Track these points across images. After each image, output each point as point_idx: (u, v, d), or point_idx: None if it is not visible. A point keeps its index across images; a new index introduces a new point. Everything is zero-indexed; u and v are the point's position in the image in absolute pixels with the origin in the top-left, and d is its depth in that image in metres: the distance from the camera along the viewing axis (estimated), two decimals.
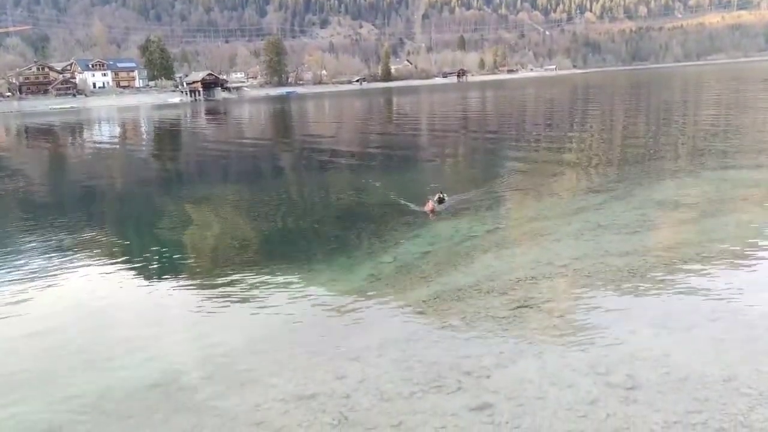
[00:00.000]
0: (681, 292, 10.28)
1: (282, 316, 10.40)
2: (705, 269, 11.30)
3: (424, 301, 10.56)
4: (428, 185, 22.38)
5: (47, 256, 15.03)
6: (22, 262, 14.59)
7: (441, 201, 15.72)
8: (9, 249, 15.99)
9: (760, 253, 12.05)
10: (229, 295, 11.59)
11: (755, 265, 11.44)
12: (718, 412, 6.71)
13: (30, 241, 16.65)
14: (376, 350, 8.80)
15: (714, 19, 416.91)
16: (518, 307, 10.07)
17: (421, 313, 10.10)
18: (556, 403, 7.08)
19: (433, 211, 14.86)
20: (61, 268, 13.86)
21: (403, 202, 18.79)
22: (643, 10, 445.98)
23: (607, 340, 8.68)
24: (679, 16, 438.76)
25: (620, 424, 6.58)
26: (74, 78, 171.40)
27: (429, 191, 17.66)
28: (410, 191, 21.84)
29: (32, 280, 13.11)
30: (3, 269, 14.03)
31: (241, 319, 10.40)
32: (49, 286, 12.68)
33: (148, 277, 12.94)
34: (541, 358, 8.27)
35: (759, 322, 8.97)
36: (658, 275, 11.14)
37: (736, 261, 11.68)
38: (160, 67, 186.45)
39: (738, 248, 12.44)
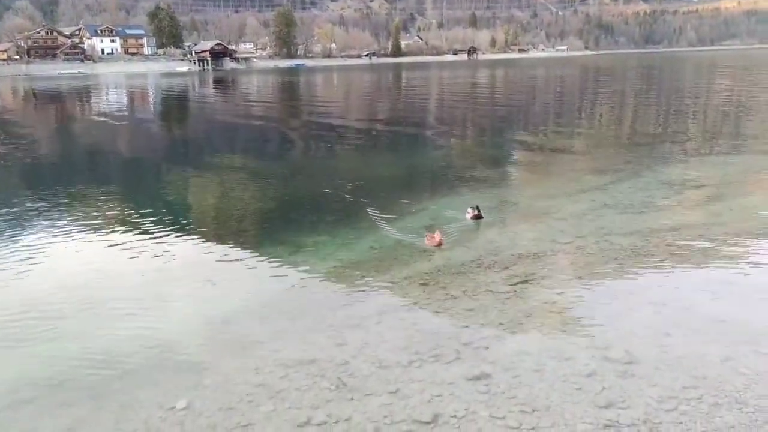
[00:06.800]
0: (683, 273, 10.29)
1: (284, 283, 10.46)
2: (708, 251, 11.29)
3: (425, 273, 10.60)
4: (435, 164, 22.36)
5: (54, 220, 15.13)
6: (28, 225, 14.69)
7: (478, 216, 13.41)
8: (16, 213, 16.07)
9: (763, 236, 12.02)
10: (232, 262, 11.65)
11: (758, 248, 11.41)
12: (713, 389, 6.74)
13: (37, 205, 16.75)
14: (376, 318, 8.86)
15: (730, 4, 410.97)
16: (519, 282, 10.10)
17: (422, 284, 10.14)
18: (553, 375, 7.13)
19: (440, 244, 11.82)
20: (67, 233, 13.95)
21: (408, 177, 18.79)
22: None
23: (607, 316, 8.71)
24: (695, 0, 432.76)
25: (616, 397, 6.63)
26: (83, 43, 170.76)
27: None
28: (416, 167, 21.84)
29: (38, 242, 13.21)
30: (10, 233, 14.11)
31: (243, 285, 10.46)
32: (55, 248, 12.76)
33: (152, 242, 12.99)
34: (540, 331, 8.32)
35: (759, 305, 8.98)
36: (660, 255, 11.14)
37: (739, 244, 11.65)
38: (168, 35, 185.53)
39: (742, 231, 12.41)
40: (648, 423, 6.20)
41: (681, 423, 6.19)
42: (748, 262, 10.71)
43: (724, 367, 7.22)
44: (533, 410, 6.47)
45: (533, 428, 6.17)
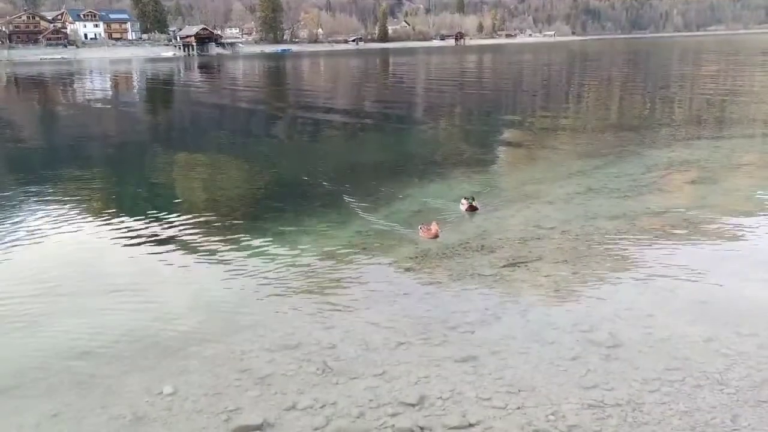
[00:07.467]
0: (666, 256, 10.37)
1: (271, 268, 10.43)
2: (692, 234, 11.40)
3: (412, 258, 10.62)
4: (423, 151, 22.36)
5: (38, 207, 14.99)
6: (12, 212, 14.53)
7: (473, 208, 13.06)
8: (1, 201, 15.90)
9: (747, 221, 12.15)
10: (218, 247, 11.59)
11: (741, 231, 11.54)
12: (696, 371, 6.83)
13: (21, 192, 16.57)
14: (363, 303, 8.87)
15: None
16: (505, 265, 10.14)
17: (409, 269, 10.16)
18: (539, 358, 7.19)
19: (436, 236, 11.43)
20: (53, 220, 13.81)
21: (395, 163, 18.77)
22: None
23: (592, 299, 8.79)
24: None
25: (600, 380, 6.70)
26: (65, 28, 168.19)
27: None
28: (403, 154, 21.83)
29: (23, 230, 13.07)
30: None
31: (229, 271, 10.41)
32: (41, 236, 12.62)
33: (139, 229, 12.91)
34: (526, 315, 8.37)
35: (742, 286, 9.09)
36: (645, 239, 11.23)
37: (723, 227, 11.78)
38: (153, 19, 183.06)
39: (726, 215, 12.53)
40: (632, 404, 6.27)
41: (664, 404, 6.27)
42: (731, 245, 10.83)
43: (706, 349, 7.31)
44: (519, 391, 6.53)
45: (519, 408, 6.23)
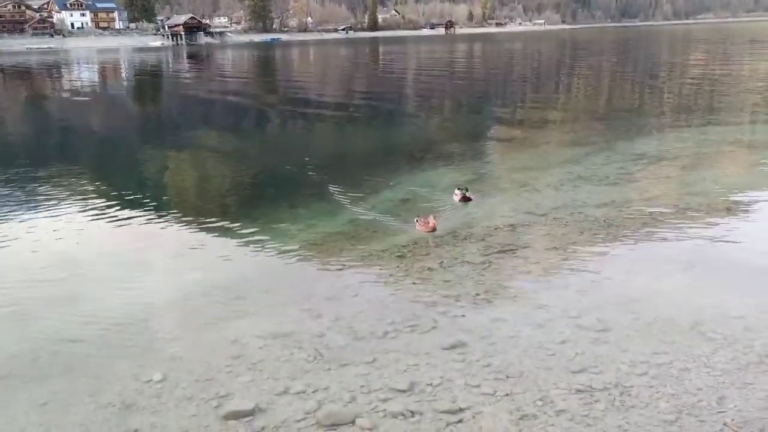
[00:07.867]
0: (655, 242, 10.46)
1: (261, 257, 10.44)
2: (680, 221, 11.47)
3: (402, 246, 10.63)
4: (413, 140, 22.34)
5: (26, 197, 14.90)
6: (1, 202, 14.43)
7: (467, 199, 12.79)
8: None
9: (735, 207, 12.25)
10: (209, 236, 11.58)
11: (728, 218, 11.62)
12: (683, 354, 6.90)
13: (10, 183, 16.43)
14: (353, 291, 8.89)
15: None
16: (495, 252, 10.18)
17: (399, 256, 10.18)
18: (527, 342, 7.23)
19: (434, 229, 11.12)
20: (40, 209, 13.73)
21: (385, 152, 18.75)
22: None
23: (581, 285, 8.84)
24: None
25: (588, 363, 6.75)
26: (52, 17, 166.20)
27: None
28: (393, 143, 21.82)
29: (10, 219, 12.98)
30: None
31: (220, 259, 10.40)
32: (29, 225, 12.52)
33: (128, 219, 12.84)
34: (515, 301, 8.42)
35: (729, 272, 9.19)
36: (634, 225, 11.30)
37: (710, 214, 11.85)
38: (141, 8, 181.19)
39: (713, 202, 12.61)
40: (619, 387, 6.33)
41: (651, 387, 6.32)
42: (717, 232, 10.90)
43: (693, 333, 7.38)
44: (507, 377, 6.57)
45: (507, 394, 6.27)
